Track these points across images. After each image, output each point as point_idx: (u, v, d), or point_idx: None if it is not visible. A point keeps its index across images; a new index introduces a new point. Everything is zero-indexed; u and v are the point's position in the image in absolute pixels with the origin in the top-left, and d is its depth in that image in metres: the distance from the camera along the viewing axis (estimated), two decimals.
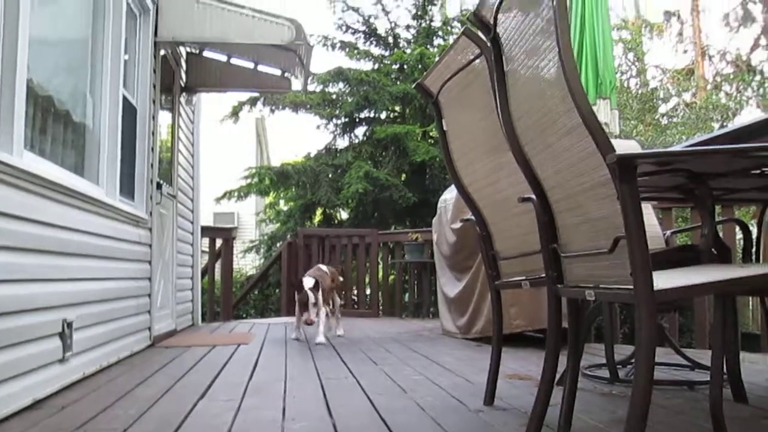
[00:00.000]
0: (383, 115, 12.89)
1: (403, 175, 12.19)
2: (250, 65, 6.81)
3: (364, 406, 2.77)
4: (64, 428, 2.37)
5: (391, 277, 9.15)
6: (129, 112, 4.76)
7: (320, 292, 5.21)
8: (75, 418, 2.53)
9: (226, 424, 2.42)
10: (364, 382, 3.37)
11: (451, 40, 11.89)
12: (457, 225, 5.39)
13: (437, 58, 2.87)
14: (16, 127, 2.76)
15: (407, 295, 9.61)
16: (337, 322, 5.91)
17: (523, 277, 2.56)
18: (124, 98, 4.57)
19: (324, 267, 5.86)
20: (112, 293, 4.09)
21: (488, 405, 2.77)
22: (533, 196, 2.10)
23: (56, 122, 3.64)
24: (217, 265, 8.40)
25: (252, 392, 3.13)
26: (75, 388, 3.23)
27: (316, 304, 5.11)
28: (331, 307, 5.79)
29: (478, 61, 2.43)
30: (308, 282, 5.23)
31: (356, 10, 12.88)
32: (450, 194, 5.78)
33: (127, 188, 4.71)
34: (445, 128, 2.84)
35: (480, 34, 2.23)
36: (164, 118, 6.01)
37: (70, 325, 3.23)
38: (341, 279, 6.85)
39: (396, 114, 13.02)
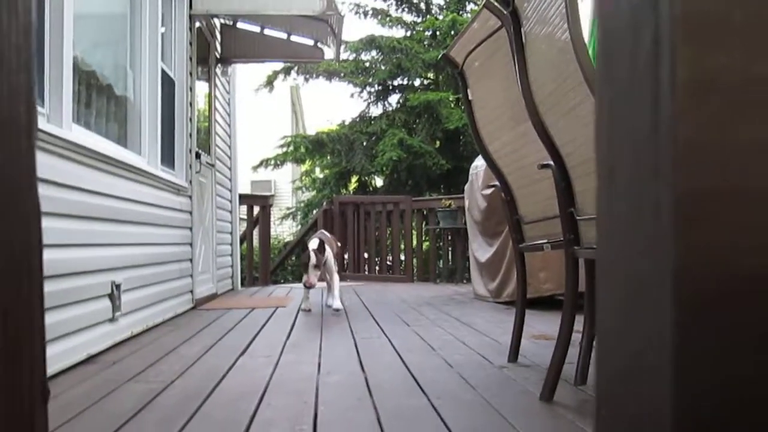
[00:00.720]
0: (416, 83, 12.93)
1: (437, 142, 12.26)
2: (283, 36, 6.92)
3: (394, 363, 2.93)
4: (116, 380, 2.57)
5: (426, 243, 9.28)
6: (167, 84, 4.94)
7: (326, 255, 4.89)
8: (126, 372, 2.74)
9: (266, 377, 2.60)
10: (395, 341, 3.53)
11: None
12: (488, 191, 5.49)
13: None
14: (64, 102, 2.94)
15: (441, 261, 9.75)
16: (333, 291, 5.10)
17: (545, 240, 2.67)
18: (163, 71, 4.74)
19: (326, 233, 5.62)
20: (156, 258, 4.31)
21: (512, 362, 2.91)
22: (552, 163, 2.20)
23: (100, 96, 3.82)
24: (255, 232, 8.62)
25: (289, 350, 3.31)
26: (124, 345, 3.46)
27: (317, 266, 4.76)
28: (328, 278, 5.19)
29: (500, 32, 2.51)
30: (312, 243, 4.95)
31: None
32: (481, 161, 5.83)
33: (168, 158, 4.91)
34: (470, 98, 2.93)
35: (500, 6, 2.31)
36: (201, 89, 6.18)
37: (118, 287, 3.45)
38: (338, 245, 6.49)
39: (429, 81, 13.03)
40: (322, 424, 1.93)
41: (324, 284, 5.42)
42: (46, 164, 2.70)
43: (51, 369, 2.63)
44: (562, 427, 1.91)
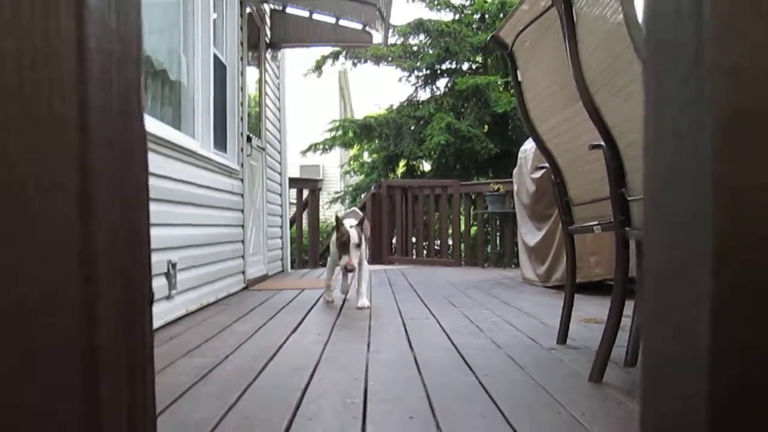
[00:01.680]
0: (465, 66, 12.84)
1: (485, 127, 12.17)
2: (332, 20, 6.96)
3: (442, 343, 2.95)
4: (173, 355, 2.66)
5: (473, 227, 9.27)
6: (219, 69, 5.03)
7: (363, 235, 4.23)
8: (182, 347, 2.83)
9: (317, 352, 2.67)
10: (444, 322, 3.55)
11: None
12: (537, 174, 5.44)
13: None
14: None
15: (489, 245, 9.72)
16: (359, 286, 4.31)
17: (596, 222, 2.65)
18: (215, 56, 4.83)
19: (359, 211, 4.98)
20: (209, 238, 4.41)
21: (561, 344, 2.91)
22: (603, 144, 2.19)
23: (155, 81, 3.92)
24: (305, 215, 8.73)
25: (339, 329, 3.37)
26: (179, 322, 3.56)
27: (359, 245, 4.12)
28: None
29: (550, 11, 2.49)
30: (349, 219, 4.30)
31: None
32: (531, 144, 5.80)
33: (220, 141, 5.01)
34: (519, 79, 2.92)
35: None
36: (252, 74, 6.27)
37: (174, 266, 3.55)
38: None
39: (478, 65, 12.93)
40: (372, 399, 1.97)
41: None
42: None
43: None
44: (611, 407, 1.91)
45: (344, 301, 4.61)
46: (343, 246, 4.07)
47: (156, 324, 3.31)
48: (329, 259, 4.53)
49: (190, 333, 3.25)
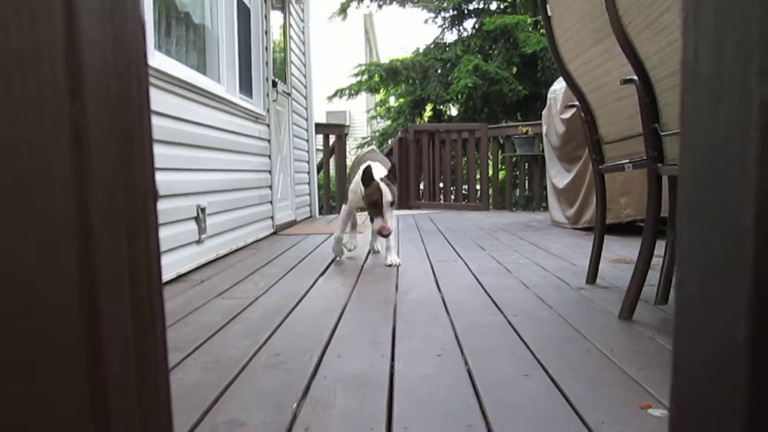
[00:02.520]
0: (493, 6, 12.55)
1: (514, 68, 11.94)
2: None
3: (470, 283, 2.96)
4: (205, 297, 2.70)
5: (501, 172, 9.19)
6: (243, 12, 4.96)
7: (395, 188, 3.44)
8: (213, 289, 2.87)
9: (346, 295, 2.69)
10: (472, 264, 3.55)
11: None
12: (567, 115, 5.35)
13: None
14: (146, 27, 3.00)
15: (518, 189, 9.65)
16: (388, 240, 3.58)
17: (627, 160, 2.60)
18: None
19: (377, 150, 4.11)
20: (237, 183, 4.43)
21: (590, 284, 2.89)
22: (635, 77, 2.13)
23: (179, 24, 3.88)
24: (332, 161, 8.72)
25: (367, 272, 3.39)
26: (210, 266, 3.61)
27: (393, 203, 3.36)
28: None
29: None
30: (379, 170, 3.49)
31: None
32: (560, 84, 5.70)
33: (245, 86, 4.98)
34: (549, 13, 2.84)
35: None
36: (276, 17, 6.19)
37: (203, 210, 3.58)
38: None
39: (506, 3, 12.62)
40: (400, 338, 1.99)
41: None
42: None
43: None
44: (641, 344, 1.90)
45: (371, 245, 4.60)
46: (375, 205, 3.30)
47: (188, 267, 3.36)
48: (345, 207, 3.77)
49: (220, 276, 3.29)
